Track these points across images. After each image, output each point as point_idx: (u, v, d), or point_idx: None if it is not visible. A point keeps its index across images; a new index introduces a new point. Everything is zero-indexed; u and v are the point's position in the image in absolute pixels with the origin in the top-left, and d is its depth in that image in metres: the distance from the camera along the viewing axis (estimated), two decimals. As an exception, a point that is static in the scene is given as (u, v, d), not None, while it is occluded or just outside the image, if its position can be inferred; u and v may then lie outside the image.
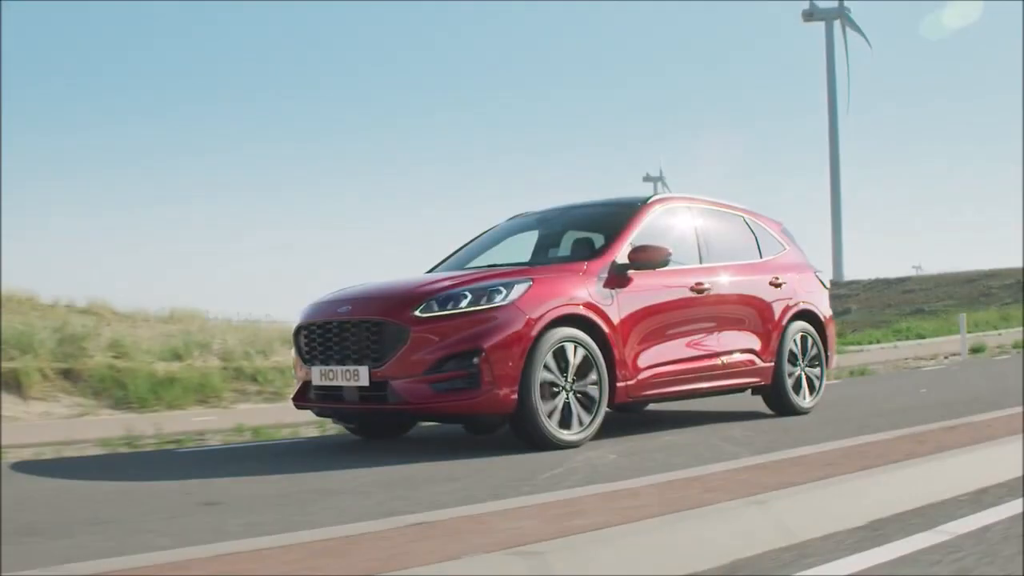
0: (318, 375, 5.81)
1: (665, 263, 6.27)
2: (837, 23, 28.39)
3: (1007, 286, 41.64)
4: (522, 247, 7.29)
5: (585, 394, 5.73)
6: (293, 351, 6.25)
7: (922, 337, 22.29)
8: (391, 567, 2.61)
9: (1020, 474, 4.38)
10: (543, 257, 7.00)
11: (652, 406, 7.73)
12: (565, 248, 7.05)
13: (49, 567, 2.84)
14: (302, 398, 6.10)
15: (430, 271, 7.17)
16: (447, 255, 7.45)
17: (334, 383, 5.71)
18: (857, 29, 28.25)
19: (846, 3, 27.84)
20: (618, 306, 6.00)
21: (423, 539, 3.00)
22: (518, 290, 5.57)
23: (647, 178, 61.44)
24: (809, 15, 28.83)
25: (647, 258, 6.20)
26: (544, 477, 4.52)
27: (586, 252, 6.50)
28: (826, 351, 7.72)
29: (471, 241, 7.57)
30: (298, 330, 6.11)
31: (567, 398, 5.63)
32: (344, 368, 5.63)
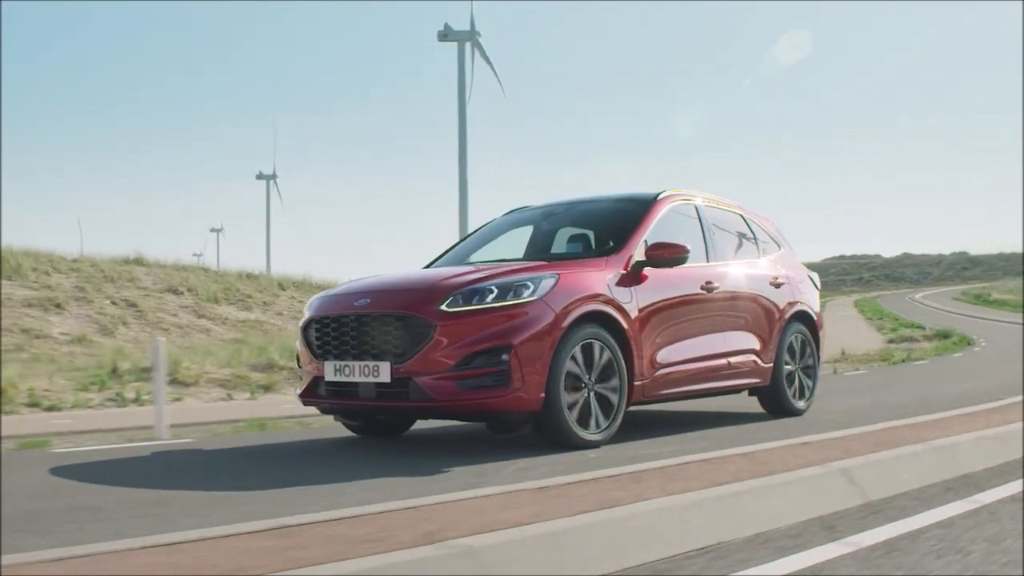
0: (331, 370, 5.54)
1: (683, 261, 6.19)
2: (469, 45, 30.49)
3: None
4: (523, 242, 7.11)
5: (606, 392, 5.60)
6: (300, 345, 5.94)
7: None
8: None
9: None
10: (543, 252, 6.82)
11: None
12: (562, 244, 6.87)
13: (47, 550, 2.80)
14: (310, 394, 5.82)
15: (428, 265, 6.96)
16: (446, 248, 7.25)
17: (350, 379, 5.45)
18: (487, 60, 30.26)
19: (477, 31, 30.24)
20: (636, 304, 5.89)
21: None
22: (546, 285, 5.40)
23: (260, 176, 61.38)
24: (444, 35, 30.72)
25: (665, 255, 6.10)
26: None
27: (598, 248, 6.39)
28: (818, 351, 7.76)
29: (471, 234, 7.38)
30: (308, 323, 5.81)
31: (589, 397, 5.50)
32: (362, 364, 5.38)
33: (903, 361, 18.68)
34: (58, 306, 16.58)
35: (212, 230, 79.14)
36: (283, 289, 24.03)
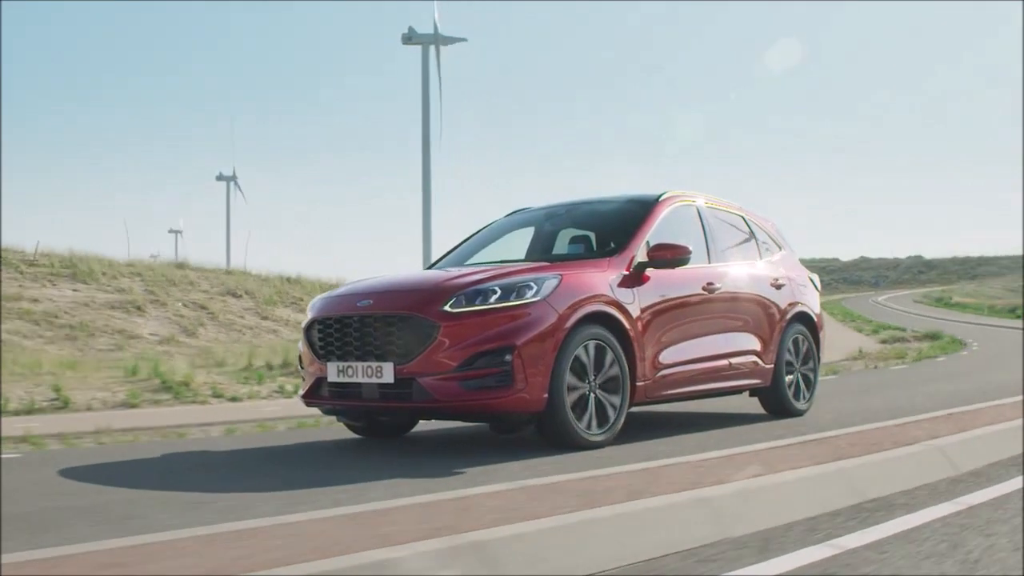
0: (335, 371, 5.55)
1: (685, 262, 6.19)
2: (432, 49, 30.72)
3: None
4: (525, 243, 7.12)
5: (608, 393, 5.61)
6: (303, 346, 5.95)
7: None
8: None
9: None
10: (545, 253, 6.82)
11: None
12: (563, 246, 6.88)
13: (47, 548, 2.81)
14: (313, 395, 5.82)
15: (431, 266, 6.97)
16: (449, 249, 7.25)
17: (353, 380, 5.46)
18: (438, 67, 30.64)
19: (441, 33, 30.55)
20: (638, 305, 5.90)
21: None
22: (549, 286, 5.40)
23: (220, 177, 61.73)
24: (408, 38, 30.94)
25: (667, 256, 6.11)
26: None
27: (600, 249, 6.39)
28: (818, 352, 7.77)
29: (473, 235, 7.37)
30: (311, 324, 5.82)
31: (591, 397, 5.51)
32: (365, 364, 5.38)
33: (918, 360, 19.07)
34: (139, 308, 17.06)
35: (171, 231, 78.67)
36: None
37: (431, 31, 30.78)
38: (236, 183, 61.63)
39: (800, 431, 6.01)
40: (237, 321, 19.18)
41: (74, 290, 17.00)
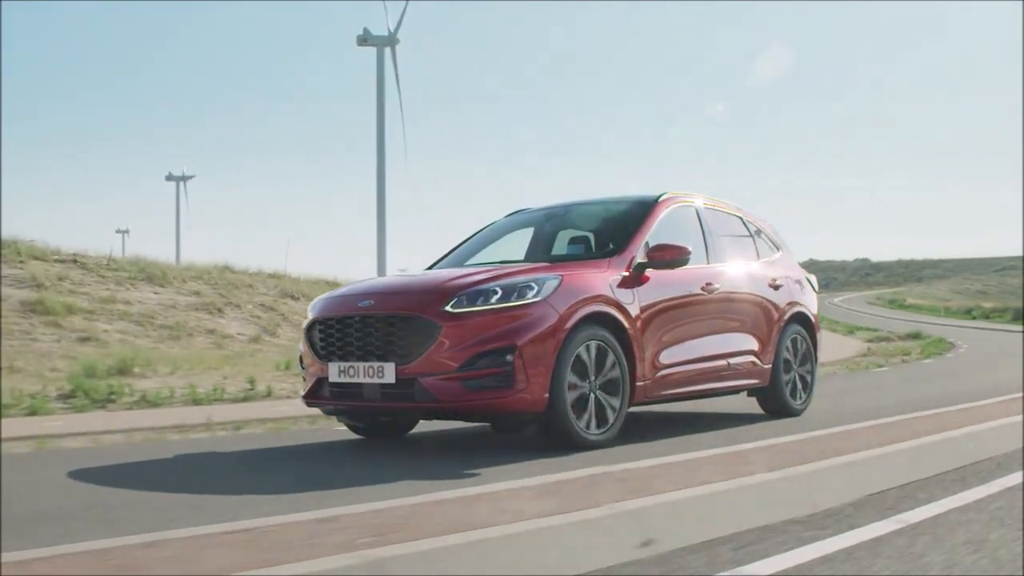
0: (336, 371, 5.57)
1: (684, 262, 6.23)
2: (388, 50, 31.07)
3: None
4: (524, 244, 7.15)
5: (608, 393, 5.64)
6: (304, 346, 5.97)
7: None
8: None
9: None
10: (545, 254, 6.85)
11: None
12: (563, 246, 6.90)
13: (49, 547, 2.82)
14: (314, 396, 5.85)
15: (431, 267, 6.99)
16: (449, 250, 7.27)
17: (354, 380, 5.48)
18: (395, 70, 30.93)
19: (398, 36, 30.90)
20: (638, 305, 5.93)
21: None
22: (549, 286, 5.44)
23: (170, 177, 62.06)
24: (363, 40, 31.27)
25: (666, 257, 6.15)
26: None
27: (599, 250, 6.42)
28: (815, 353, 7.82)
29: (473, 236, 7.40)
30: (312, 325, 5.84)
31: (592, 397, 5.54)
32: (367, 364, 5.41)
33: (929, 357, 19.88)
34: (219, 310, 17.63)
35: (118, 231, 78.47)
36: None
37: (386, 33, 31.03)
38: (185, 184, 61.87)
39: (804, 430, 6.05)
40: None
41: (155, 292, 17.72)
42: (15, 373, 10.31)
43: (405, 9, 30.61)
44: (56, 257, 17.51)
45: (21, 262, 16.11)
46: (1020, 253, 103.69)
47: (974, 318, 52.52)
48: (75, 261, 17.70)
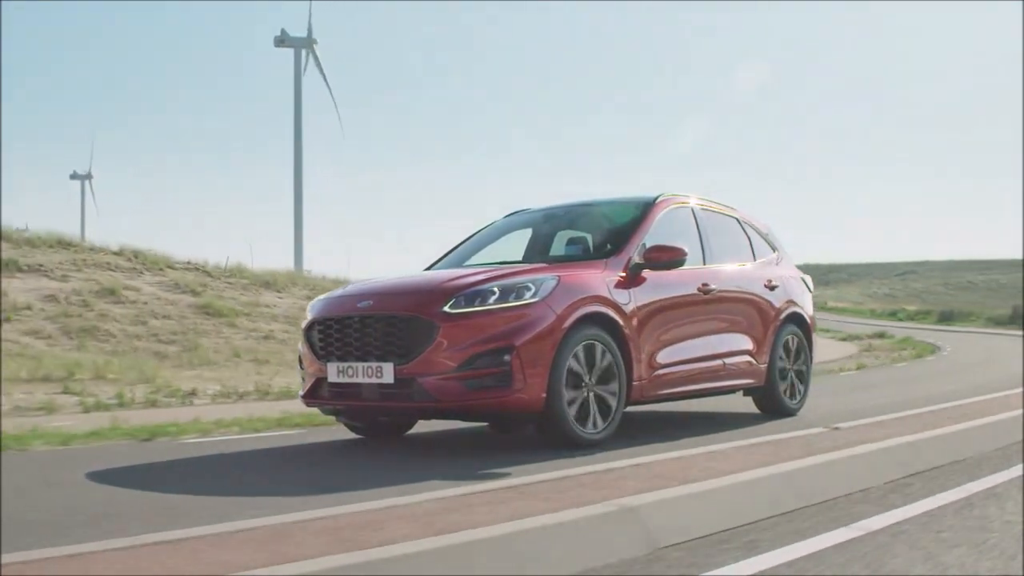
0: (335, 372, 5.61)
1: (681, 263, 6.27)
2: (305, 52, 31.48)
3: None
4: (522, 244, 7.19)
5: (604, 392, 5.68)
6: (303, 346, 6.01)
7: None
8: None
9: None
10: (543, 254, 6.89)
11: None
12: (560, 247, 6.93)
13: (49, 547, 2.83)
14: (313, 395, 5.88)
15: (429, 268, 7.03)
16: (447, 250, 7.31)
17: (353, 380, 5.52)
18: (321, 71, 31.30)
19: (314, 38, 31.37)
20: (635, 305, 5.98)
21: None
22: (547, 287, 5.48)
23: (74, 176, 62.12)
24: (281, 41, 31.58)
25: (663, 258, 6.19)
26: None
27: (597, 250, 6.46)
28: (810, 353, 7.86)
29: (471, 236, 7.44)
30: (311, 325, 5.88)
31: (589, 397, 5.58)
32: (366, 365, 5.45)
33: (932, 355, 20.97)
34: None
35: (17, 230, 78.12)
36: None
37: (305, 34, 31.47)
38: (91, 183, 62.00)
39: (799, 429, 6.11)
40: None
41: (279, 297, 19.70)
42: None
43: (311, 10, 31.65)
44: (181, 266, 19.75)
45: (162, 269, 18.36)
46: (918, 259, 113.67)
47: (900, 320, 55.56)
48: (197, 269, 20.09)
